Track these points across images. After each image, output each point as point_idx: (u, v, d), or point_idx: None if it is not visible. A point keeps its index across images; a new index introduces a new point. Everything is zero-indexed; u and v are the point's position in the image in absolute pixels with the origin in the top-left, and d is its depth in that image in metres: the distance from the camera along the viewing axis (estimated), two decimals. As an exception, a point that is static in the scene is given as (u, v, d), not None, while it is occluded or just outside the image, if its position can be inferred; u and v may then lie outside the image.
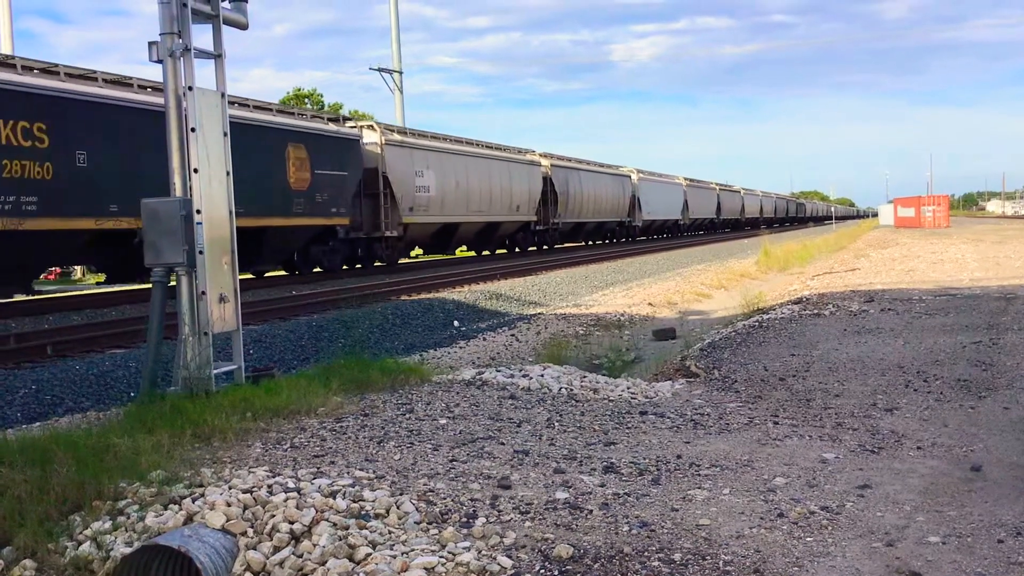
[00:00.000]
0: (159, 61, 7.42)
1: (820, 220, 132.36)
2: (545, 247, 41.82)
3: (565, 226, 42.52)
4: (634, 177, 52.38)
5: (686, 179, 64.17)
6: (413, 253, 35.63)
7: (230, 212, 7.75)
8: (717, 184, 75.95)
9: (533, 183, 38.34)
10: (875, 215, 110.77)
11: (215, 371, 7.43)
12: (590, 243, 50.62)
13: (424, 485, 5.14)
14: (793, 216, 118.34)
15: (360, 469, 5.41)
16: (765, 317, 14.32)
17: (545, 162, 40.52)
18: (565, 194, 41.43)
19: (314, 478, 5.13)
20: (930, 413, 7.06)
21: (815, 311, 14.34)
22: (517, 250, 39.71)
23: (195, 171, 7.34)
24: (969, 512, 4.77)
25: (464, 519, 4.62)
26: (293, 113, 24.35)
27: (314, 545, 4.27)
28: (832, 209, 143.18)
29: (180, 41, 7.35)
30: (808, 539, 4.40)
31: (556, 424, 6.82)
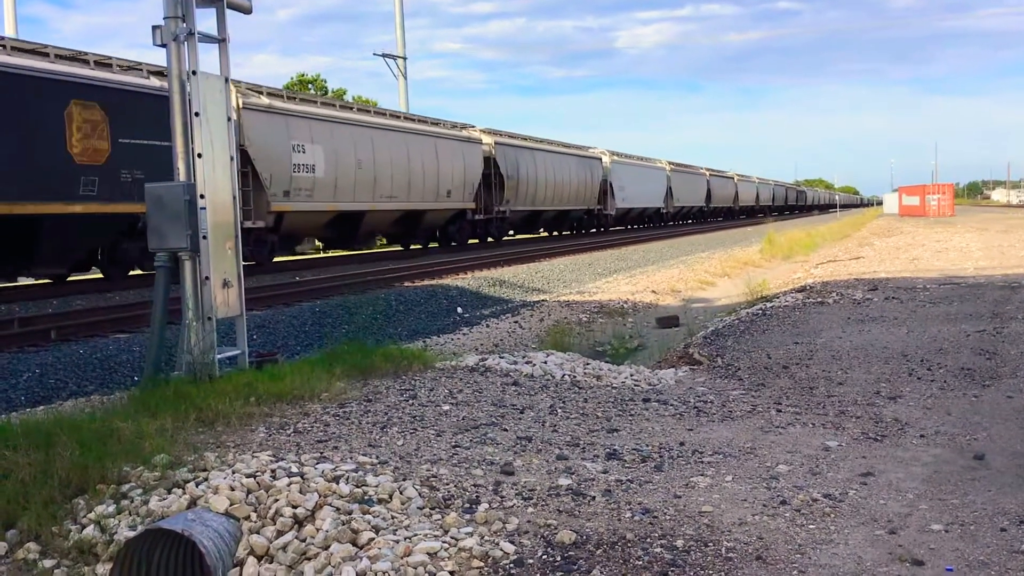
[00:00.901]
0: (163, 45, 7.40)
1: (824, 208, 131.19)
2: (491, 240, 35.48)
3: (515, 215, 36.51)
4: (606, 160, 46.43)
5: (670, 163, 58.46)
6: (303, 249, 30.47)
7: (234, 197, 7.73)
8: (707, 169, 69.82)
9: (471, 164, 32.07)
10: (880, 203, 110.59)
11: (219, 356, 7.44)
12: (555, 234, 45.26)
13: (427, 471, 5.15)
14: (793, 204, 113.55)
15: (363, 454, 5.42)
16: (769, 305, 14.30)
17: (488, 139, 34.55)
18: (514, 178, 35.42)
19: (317, 463, 5.13)
20: (933, 401, 7.05)
21: (819, 299, 14.32)
22: (453, 244, 32.73)
23: (199, 156, 7.32)
24: (972, 500, 4.77)
25: (467, 505, 4.63)
26: (87, 61, 17.33)
27: (317, 529, 4.28)
28: (836, 197, 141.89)
29: (184, 25, 7.33)
30: (811, 526, 4.40)
31: (559, 411, 6.83)
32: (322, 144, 23.61)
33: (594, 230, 47.39)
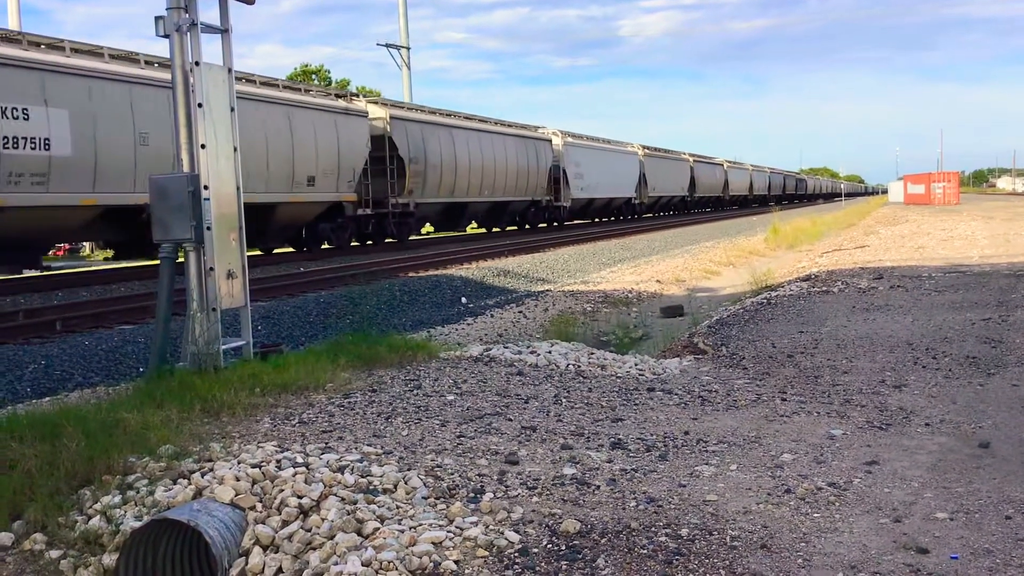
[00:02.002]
0: (166, 36, 7.39)
1: (829, 197, 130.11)
2: (390, 240, 28.11)
3: (425, 209, 29.58)
4: (557, 141, 40.03)
5: (643, 147, 52.25)
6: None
7: (237, 188, 7.73)
8: (691, 155, 63.17)
9: (349, 144, 24.50)
10: (885, 192, 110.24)
11: (223, 347, 7.45)
12: (498, 231, 38.34)
13: (432, 460, 5.16)
14: (792, 193, 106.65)
15: (368, 444, 5.43)
16: (773, 294, 14.28)
17: (379, 112, 27.07)
18: (420, 162, 28.05)
19: (322, 453, 5.14)
20: (938, 390, 7.04)
21: (824, 288, 14.30)
22: (328, 247, 25.47)
23: (202, 147, 7.32)
24: (977, 489, 4.76)
25: (472, 494, 4.64)
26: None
27: (322, 519, 4.29)
28: (841, 186, 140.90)
29: (187, 16, 7.32)
30: (815, 515, 4.40)
31: (563, 400, 6.83)
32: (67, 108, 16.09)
33: (544, 225, 40.68)
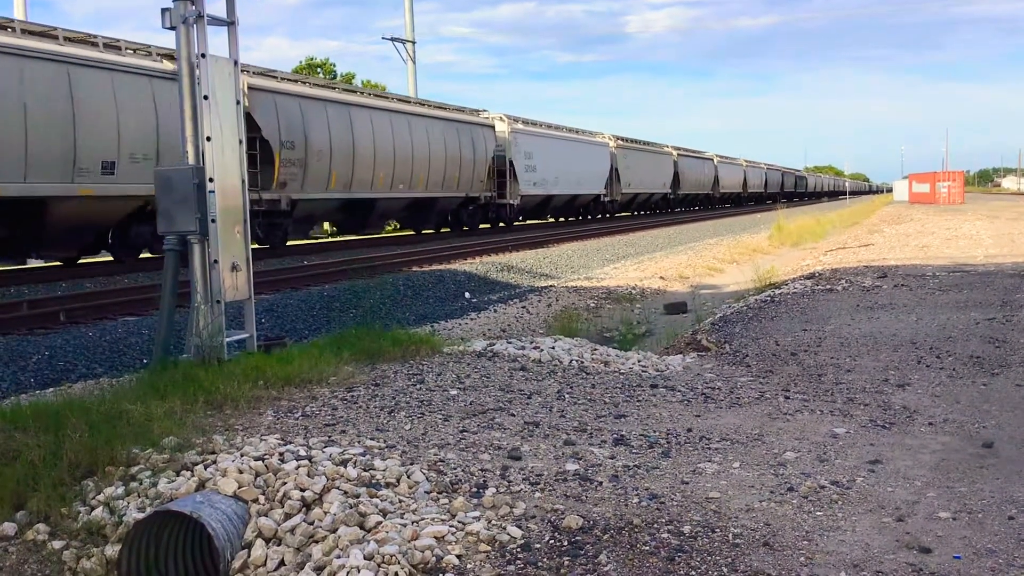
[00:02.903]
0: (172, 28, 7.39)
1: (833, 195, 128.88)
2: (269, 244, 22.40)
3: (308, 208, 23.52)
4: (502, 128, 34.49)
5: (615, 137, 47.03)
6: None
7: (243, 181, 7.74)
8: (675, 148, 57.94)
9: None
10: (890, 191, 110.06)
11: (227, 339, 7.46)
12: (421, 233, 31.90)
13: (435, 455, 5.16)
14: (791, 191, 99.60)
15: (371, 438, 5.43)
16: (777, 292, 14.27)
17: (252, 83, 20.73)
18: (296, 147, 22.12)
19: (325, 446, 5.15)
20: (942, 389, 7.03)
21: (828, 286, 14.28)
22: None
23: (208, 139, 7.32)
24: (980, 488, 4.76)
25: (474, 489, 4.64)
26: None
27: (325, 513, 4.29)
28: (845, 184, 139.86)
29: (193, 8, 7.31)
30: (818, 513, 4.39)
31: (567, 396, 6.83)
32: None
33: (487, 226, 34.97)
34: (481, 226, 34.49)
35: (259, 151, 20.89)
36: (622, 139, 48.34)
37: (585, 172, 42.07)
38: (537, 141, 37.34)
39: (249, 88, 20.31)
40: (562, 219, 44.59)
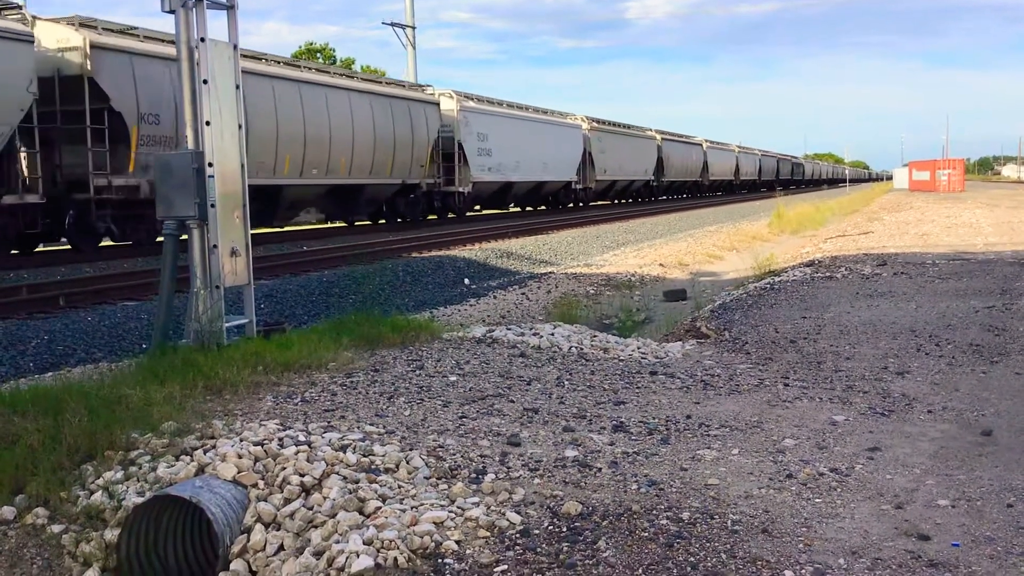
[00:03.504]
0: (171, 11, 7.35)
1: (832, 183, 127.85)
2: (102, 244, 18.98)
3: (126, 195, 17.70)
4: (449, 105, 29.97)
5: (589, 119, 42.74)
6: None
7: (242, 166, 7.71)
8: (658, 133, 53.13)
9: None
10: (890, 178, 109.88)
11: (226, 324, 7.45)
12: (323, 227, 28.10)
13: (434, 441, 5.16)
14: (788, 179, 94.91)
15: (370, 424, 5.43)
16: (777, 279, 14.26)
17: (60, 35, 16.88)
18: (158, 122, 17.77)
19: (324, 432, 5.15)
20: (941, 377, 7.03)
21: (827, 274, 14.27)
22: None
23: (207, 124, 7.30)
24: (979, 476, 4.76)
25: (473, 475, 4.64)
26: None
27: (324, 498, 4.30)
28: (845, 171, 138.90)
29: (192, -9, 7.27)
30: (817, 500, 4.40)
31: (566, 383, 6.83)
32: None
33: (434, 217, 30.69)
34: (431, 217, 30.68)
35: (108, 125, 16.97)
36: (597, 121, 43.95)
37: (553, 157, 37.82)
38: (493, 121, 32.54)
39: (92, 47, 16.72)
40: (530, 208, 40.74)
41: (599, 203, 47.66)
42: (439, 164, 29.59)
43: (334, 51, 60.50)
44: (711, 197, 62.62)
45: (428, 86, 31.46)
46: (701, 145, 62.83)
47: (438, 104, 29.63)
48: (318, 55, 57.50)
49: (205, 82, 7.26)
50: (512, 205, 39.40)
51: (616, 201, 50.51)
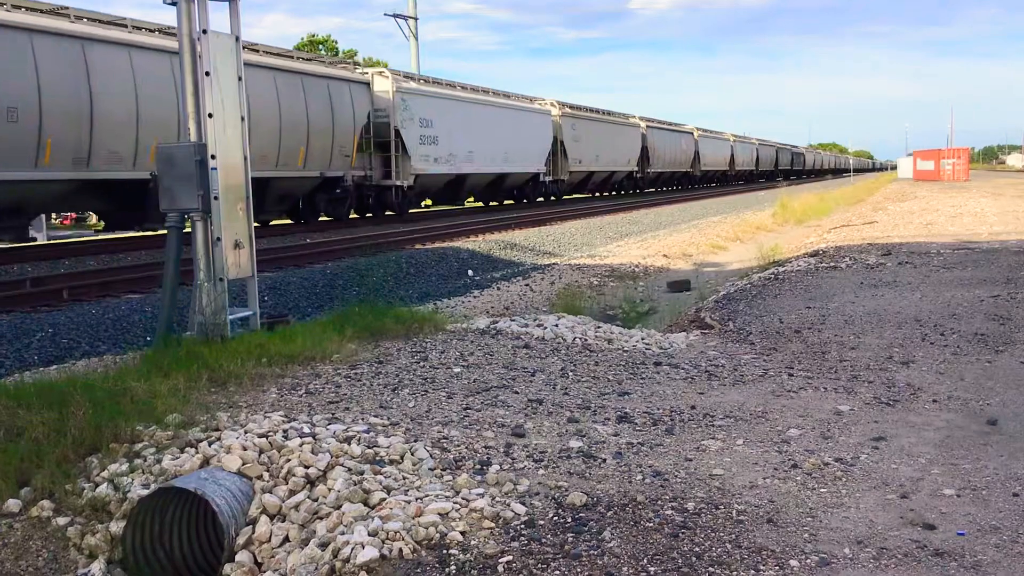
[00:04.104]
0: (173, 3, 7.34)
1: (837, 173, 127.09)
2: None
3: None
4: (383, 85, 25.85)
5: (560, 104, 38.94)
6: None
7: (245, 158, 7.71)
8: (643, 120, 49.18)
9: None
10: (894, 168, 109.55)
11: (230, 317, 7.45)
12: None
13: (438, 432, 5.16)
14: (787, 169, 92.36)
15: (375, 415, 5.43)
16: (781, 269, 14.24)
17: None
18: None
19: (329, 423, 5.15)
20: (946, 366, 7.02)
21: (831, 264, 14.25)
22: None
23: (210, 116, 7.29)
24: (984, 465, 4.75)
25: (478, 466, 4.64)
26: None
27: (329, 489, 4.30)
28: (849, 161, 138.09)
29: (194, -17, 7.25)
30: (822, 490, 4.39)
31: (570, 374, 6.82)
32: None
33: (369, 215, 26.91)
34: (367, 215, 26.88)
35: None
36: (571, 106, 40.42)
37: (516, 146, 33.35)
38: (440, 105, 28.35)
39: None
40: (494, 203, 36.66)
41: (580, 196, 44.88)
42: (371, 154, 25.32)
43: (336, 43, 60.41)
44: (705, 188, 59.52)
45: (356, 64, 28.68)
46: (692, 134, 58.57)
47: (368, 84, 25.51)
48: (320, 47, 57.41)
49: (207, 74, 7.25)
50: (464, 199, 35.12)
51: (597, 194, 46.55)
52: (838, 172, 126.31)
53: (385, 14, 50.17)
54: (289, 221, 24.96)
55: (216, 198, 7.33)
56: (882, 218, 25.40)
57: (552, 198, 39.29)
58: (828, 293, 11.04)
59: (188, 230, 7.50)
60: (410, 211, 28.60)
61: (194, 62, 7.31)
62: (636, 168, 47.71)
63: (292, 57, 23.85)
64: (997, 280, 11.62)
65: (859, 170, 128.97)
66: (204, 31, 7.27)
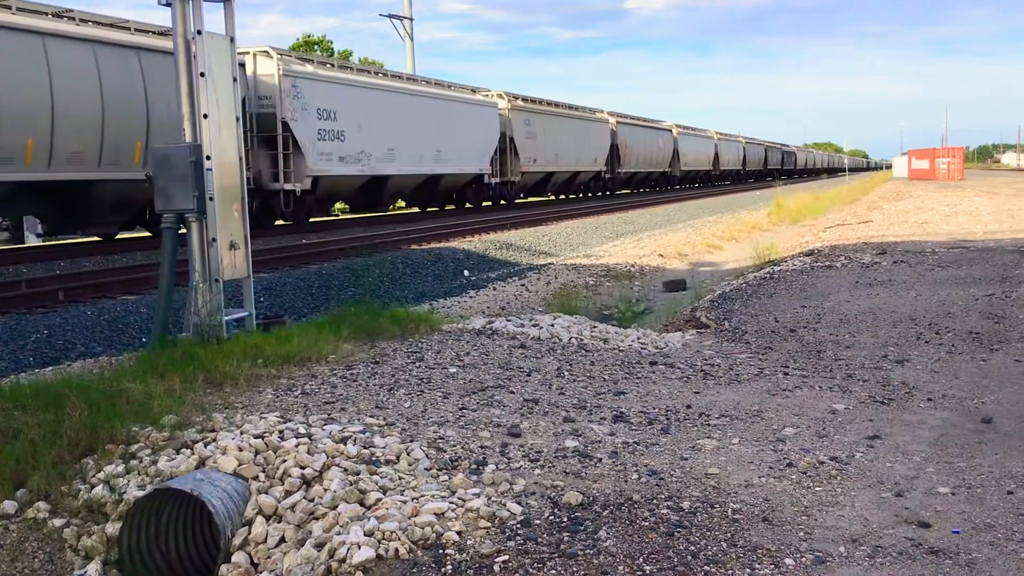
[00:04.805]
0: (167, 4, 7.33)
1: (832, 172, 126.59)
2: None
3: None
4: (267, 67, 21.32)
5: (509, 96, 34.56)
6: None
7: (240, 158, 7.70)
8: (612, 115, 45.20)
9: None
10: (889, 167, 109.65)
11: (226, 318, 7.45)
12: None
13: (434, 432, 5.16)
14: (777, 168, 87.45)
15: (371, 416, 5.43)
16: (776, 269, 14.26)
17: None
18: None
19: (325, 424, 5.15)
20: (941, 365, 7.03)
21: (827, 263, 14.27)
22: None
23: (204, 117, 7.28)
24: (979, 463, 4.77)
25: (474, 466, 4.64)
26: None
27: (325, 490, 4.30)
28: (844, 160, 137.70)
29: (188, -16, 7.25)
30: (817, 489, 4.40)
31: (566, 373, 6.83)
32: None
33: (281, 223, 23.19)
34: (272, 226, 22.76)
35: None
36: (524, 99, 36.17)
37: (454, 143, 28.85)
38: (344, 94, 23.75)
39: None
40: (435, 208, 32.18)
41: (538, 200, 41.22)
42: (254, 152, 20.72)
43: (332, 43, 60.37)
44: (685, 190, 55.62)
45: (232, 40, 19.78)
46: (670, 131, 54.45)
47: (242, 66, 19.92)
48: (316, 47, 57.38)
49: (202, 75, 7.25)
50: (388, 204, 29.65)
51: (560, 197, 42.85)
52: (832, 172, 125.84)
53: (381, 14, 50.16)
54: (284, 221, 23.05)
55: (211, 199, 7.32)
56: (877, 217, 25.44)
57: (503, 202, 34.78)
58: (823, 292, 11.06)
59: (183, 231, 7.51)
60: (309, 219, 24.03)
61: (188, 63, 7.30)
62: (605, 168, 43.65)
63: (128, 28, 18.19)
64: (992, 279, 11.65)
65: (854, 169, 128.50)
66: (199, 32, 7.27)
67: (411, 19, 48.73)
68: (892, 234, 19.33)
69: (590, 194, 44.94)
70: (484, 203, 33.66)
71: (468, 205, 32.98)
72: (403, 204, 33.23)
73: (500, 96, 34.33)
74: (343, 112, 23.43)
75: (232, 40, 7.68)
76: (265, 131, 21.30)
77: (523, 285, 16.06)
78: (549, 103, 39.12)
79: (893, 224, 22.31)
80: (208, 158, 7.29)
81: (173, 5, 7.29)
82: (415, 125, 26.79)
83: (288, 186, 21.71)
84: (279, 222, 23.23)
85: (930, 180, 60.14)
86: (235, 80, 7.63)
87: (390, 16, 48.67)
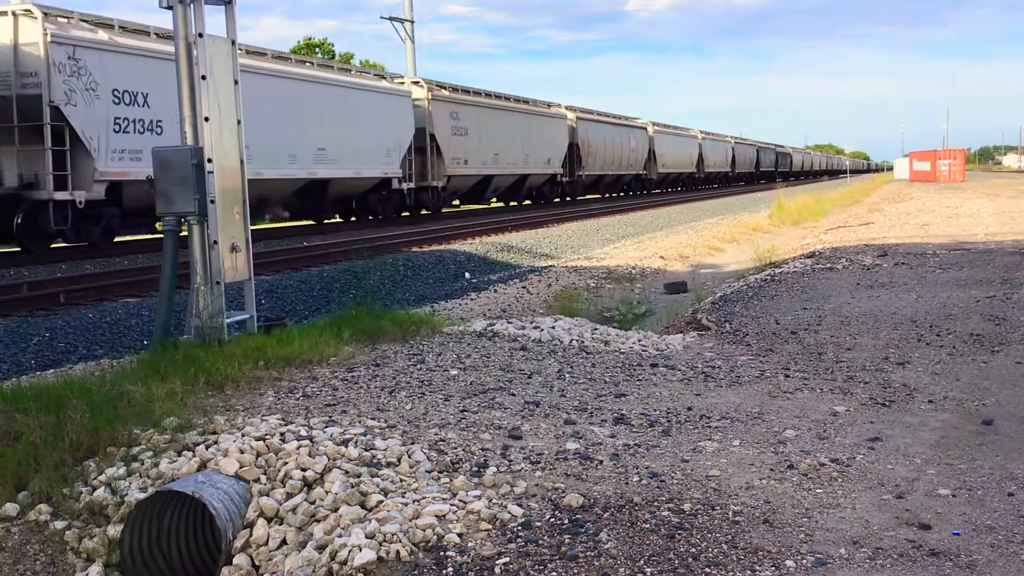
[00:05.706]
0: (169, 7, 7.35)
1: (833, 174, 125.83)
2: None
3: None
4: (28, 34, 15.29)
5: (430, 84, 29.07)
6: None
7: (241, 161, 7.72)
8: (570, 110, 40.50)
9: None
10: (890, 169, 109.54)
11: (227, 320, 7.45)
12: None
13: (435, 435, 5.17)
14: (771, 170, 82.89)
15: (372, 418, 5.44)
16: (777, 271, 14.25)
17: None
18: None
19: (326, 426, 5.16)
20: (942, 367, 7.03)
21: (828, 265, 14.27)
22: None
23: (206, 119, 7.29)
24: (980, 465, 4.77)
25: (475, 468, 4.65)
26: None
27: (326, 492, 4.30)
28: (846, 163, 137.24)
29: (190, -13, 7.26)
30: (818, 491, 4.40)
31: (567, 375, 6.83)
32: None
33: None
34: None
35: None
36: (451, 89, 30.65)
37: (349, 141, 23.69)
38: (164, 71, 12.61)
39: None
40: (334, 220, 27.40)
41: (468, 208, 35.92)
42: (13, 150, 15.81)
43: (332, 45, 60.45)
44: (665, 195, 51.62)
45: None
46: (645, 129, 49.20)
47: (15, 40, 15.33)
48: (317, 50, 57.43)
49: (204, 78, 7.26)
50: (314, 214, 25.65)
51: (508, 204, 38.02)
52: (832, 174, 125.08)
53: (381, 17, 50.14)
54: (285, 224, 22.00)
55: (213, 202, 7.33)
56: (878, 219, 25.44)
57: (424, 211, 29.27)
58: (824, 294, 11.06)
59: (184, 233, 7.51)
60: (116, 239, 18.87)
61: (190, 66, 7.32)
62: (562, 171, 38.48)
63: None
64: (993, 281, 11.64)
65: (855, 171, 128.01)
66: (200, 35, 7.28)
67: (412, 21, 48.73)
68: (893, 236, 19.33)
69: (543, 201, 39.37)
70: (403, 213, 28.06)
71: (378, 217, 26.88)
72: (269, 220, 24.49)
73: (417, 84, 28.72)
74: (161, 95, 16.63)
75: (233, 43, 7.69)
76: (30, 120, 15.65)
77: (524, 287, 16.07)
78: (487, 94, 33.58)
79: (894, 226, 22.31)
80: (210, 161, 7.30)
81: (174, 8, 7.31)
82: (287, 116, 21.02)
83: (60, 195, 15.80)
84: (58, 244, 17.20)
85: (931, 182, 60.14)
86: (236, 83, 7.64)
87: (391, 18, 48.67)
